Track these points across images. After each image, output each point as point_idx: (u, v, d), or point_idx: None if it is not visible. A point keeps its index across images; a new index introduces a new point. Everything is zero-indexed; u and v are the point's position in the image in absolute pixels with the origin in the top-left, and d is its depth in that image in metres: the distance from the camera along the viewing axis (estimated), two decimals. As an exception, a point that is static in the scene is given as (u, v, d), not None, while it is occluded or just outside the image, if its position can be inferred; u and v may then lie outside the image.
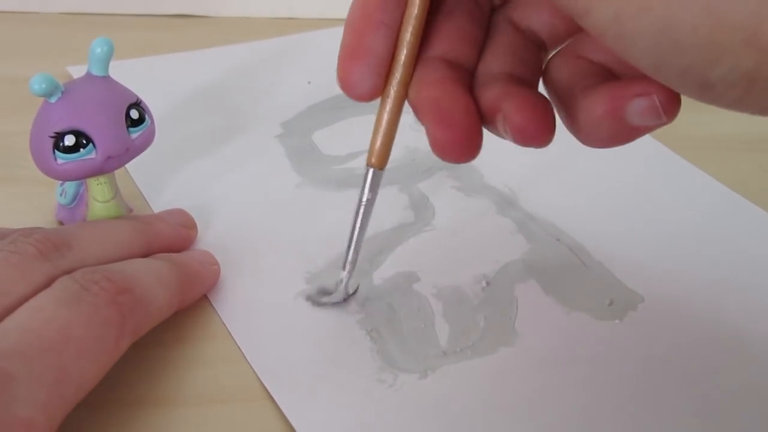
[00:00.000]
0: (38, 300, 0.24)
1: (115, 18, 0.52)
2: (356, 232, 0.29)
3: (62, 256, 0.27)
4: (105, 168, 0.30)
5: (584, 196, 0.38)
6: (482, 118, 0.24)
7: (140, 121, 0.30)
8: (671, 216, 0.37)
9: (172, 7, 0.53)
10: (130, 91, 0.31)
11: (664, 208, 0.37)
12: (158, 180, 0.37)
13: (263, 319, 0.30)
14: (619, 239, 0.35)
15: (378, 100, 0.26)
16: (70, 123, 0.29)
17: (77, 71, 0.43)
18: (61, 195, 0.33)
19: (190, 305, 0.30)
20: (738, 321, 0.32)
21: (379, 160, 0.28)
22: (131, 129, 0.30)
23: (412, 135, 0.44)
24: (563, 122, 0.24)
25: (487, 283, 0.33)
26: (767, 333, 0.31)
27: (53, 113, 0.29)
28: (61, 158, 0.29)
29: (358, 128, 0.42)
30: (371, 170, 0.28)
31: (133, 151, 0.30)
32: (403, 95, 0.26)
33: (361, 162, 0.39)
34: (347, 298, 0.31)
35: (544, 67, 0.26)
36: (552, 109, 0.23)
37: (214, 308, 0.31)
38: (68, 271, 0.26)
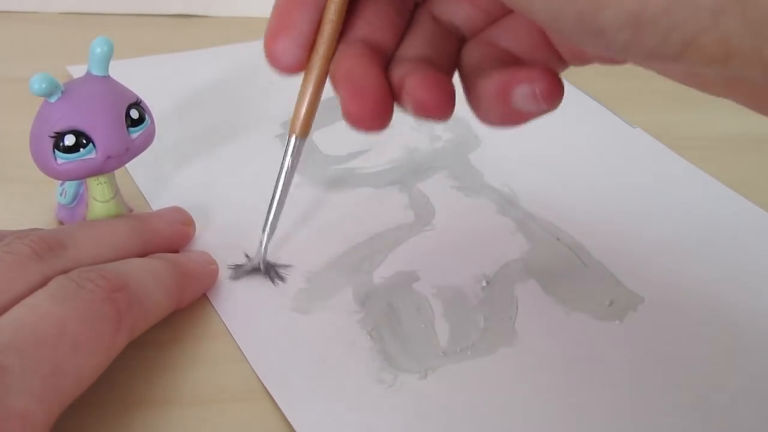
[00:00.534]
0: (34, 298, 0.24)
1: (115, 18, 0.52)
2: (277, 198, 0.31)
3: (57, 256, 0.27)
4: (105, 168, 0.30)
5: (584, 196, 0.38)
6: (393, 94, 0.25)
7: (140, 120, 0.30)
8: (671, 216, 0.37)
9: (172, 7, 0.53)
10: (130, 90, 0.31)
11: (664, 208, 0.37)
12: (158, 180, 0.37)
13: (263, 319, 0.30)
14: (619, 239, 0.35)
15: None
16: (70, 123, 0.29)
17: (77, 71, 0.43)
18: (61, 195, 0.33)
19: (190, 305, 0.30)
20: (738, 321, 0.32)
21: (302, 130, 0.29)
22: (131, 129, 0.30)
23: (412, 135, 0.43)
24: (466, 101, 0.26)
25: (487, 283, 0.33)
26: (767, 333, 0.31)
27: (53, 113, 0.29)
28: (61, 158, 0.29)
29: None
30: (294, 138, 0.30)
31: (133, 151, 0.30)
32: (326, 70, 0.27)
33: (361, 162, 0.40)
34: (266, 269, 0.32)
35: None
36: (452, 88, 0.25)
37: (214, 308, 0.31)
38: (64, 271, 0.26)
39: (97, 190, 0.31)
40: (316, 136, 0.41)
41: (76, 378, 0.23)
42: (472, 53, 0.27)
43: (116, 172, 0.31)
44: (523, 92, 0.23)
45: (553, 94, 0.23)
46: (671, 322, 0.31)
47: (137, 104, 0.31)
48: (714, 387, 0.29)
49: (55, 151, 0.29)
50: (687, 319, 0.32)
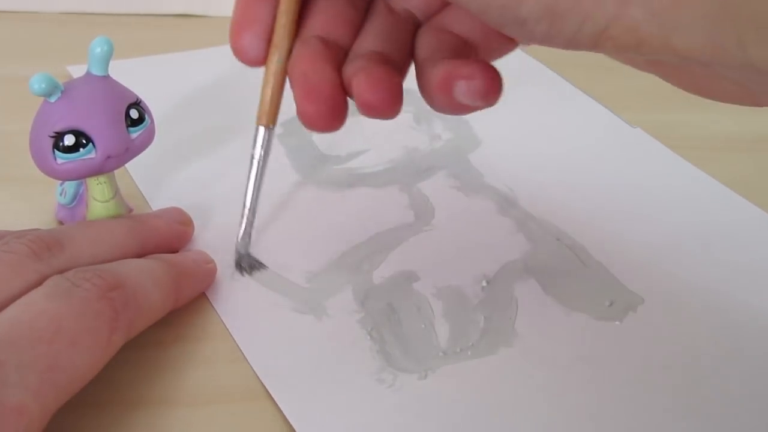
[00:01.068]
0: (30, 296, 0.25)
1: (115, 18, 0.52)
2: (251, 191, 0.31)
3: (54, 256, 0.27)
4: (105, 168, 0.30)
5: (584, 196, 0.38)
6: (346, 92, 0.26)
7: (140, 120, 0.30)
8: (671, 216, 0.37)
9: (172, 7, 0.53)
10: (129, 90, 0.31)
11: (664, 208, 0.37)
12: (158, 180, 0.37)
13: (263, 319, 0.30)
14: (619, 239, 0.35)
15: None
16: (70, 123, 0.29)
17: (77, 71, 0.43)
18: (61, 195, 0.33)
19: (190, 305, 0.30)
20: (738, 321, 0.32)
21: (268, 118, 0.30)
22: (131, 129, 0.30)
23: (412, 135, 0.43)
24: (418, 87, 0.26)
25: (487, 283, 0.33)
26: (767, 333, 0.31)
27: (53, 113, 0.29)
28: (61, 158, 0.29)
29: (358, 128, 0.42)
30: (261, 129, 0.30)
31: (132, 151, 0.30)
32: (284, 60, 0.28)
33: (361, 162, 0.40)
34: (242, 265, 0.32)
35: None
36: (398, 86, 0.25)
37: (214, 308, 0.31)
38: (61, 271, 0.26)
39: (97, 190, 0.31)
40: (316, 136, 0.41)
41: (72, 375, 0.23)
42: (424, 40, 0.27)
43: (116, 172, 0.31)
44: (462, 87, 0.24)
45: (489, 92, 0.24)
46: (671, 323, 0.31)
47: (137, 104, 0.31)
48: (714, 387, 0.29)
49: (55, 151, 0.29)
50: (687, 320, 0.31)
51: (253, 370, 0.28)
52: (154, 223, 0.32)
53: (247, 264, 0.32)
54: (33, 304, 0.24)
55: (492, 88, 0.24)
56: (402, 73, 0.27)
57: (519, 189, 0.38)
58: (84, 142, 0.29)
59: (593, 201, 0.38)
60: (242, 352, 0.29)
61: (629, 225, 0.36)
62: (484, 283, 0.33)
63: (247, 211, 0.32)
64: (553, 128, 0.43)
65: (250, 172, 0.31)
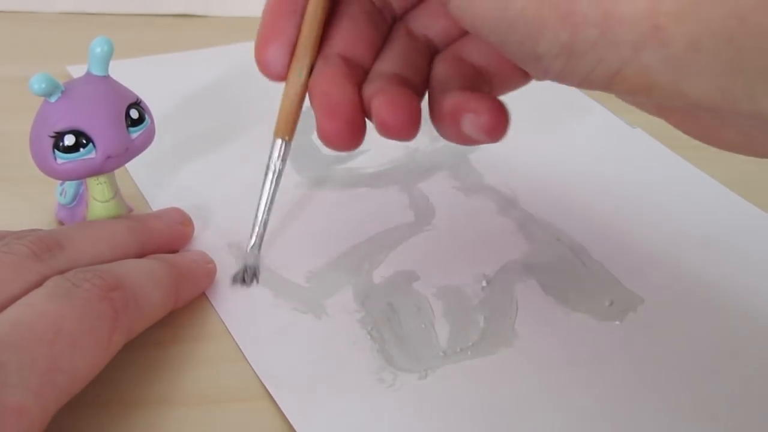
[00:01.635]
0: (30, 297, 0.24)
1: (115, 18, 0.52)
2: (264, 203, 0.31)
3: (55, 256, 0.27)
4: (105, 167, 0.30)
5: (584, 197, 0.38)
6: (365, 112, 0.26)
7: (140, 120, 0.30)
8: (671, 216, 0.37)
9: (172, 7, 0.53)
10: (130, 90, 0.31)
11: (664, 208, 0.37)
12: (158, 180, 0.37)
13: (263, 319, 0.30)
14: (618, 239, 0.35)
15: None
16: (70, 123, 0.29)
17: (77, 71, 0.43)
18: (61, 195, 0.33)
19: (190, 305, 0.31)
20: (738, 321, 0.32)
21: (286, 132, 0.30)
22: (131, 129, 0.30)
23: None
24: (429, 114, 0.27)
25: (487, 283, 0.33)
26: (767, 333, 0.31)
27: (53, 113, 0.29)
28: (61, 158, 0.29)
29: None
30: (279, 141, 0.30)
31: (133, 151, 0.30)
32: (306, 75, 0.28)
33: (360, 162, 0.40)
34: (245, 276, 0.32)
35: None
36: (417, 108, 0.26)
37: (214, 308, 0.31)
38: (62, 272, 0.26)
39: (97, 190, 0.31)
40: (316, 136, 0.41)
41: (72, 375, 0.23)
42: (439, 67, 0.28)
43: (116, 172, 0.31)
44: (468, 120, 0.25)
45: (495, 129, 0.25)
46: (671, 323, 0.31)
47: (137, 104, 0.31)
48: (714, 387, 0.29)
49: (55, 150, 0.29)
50: (687, 320, 0.32)
51: (253, 370, 0.28)
52: (154, 223, 0.32)
53: (250, 276, 0.32)
54: (33, 305, 0.24)
55: (497, 125, 0.25)
56: (420, 96, 0.27)
57: (519, 189, 0.38)
58: (84, 142, 0.29)
59: (593, 201, 0.38)
60: (242, 352, 0.29)
61: (629, 225, 0.36)
62: (484, 283, 0.33)
63: (259, 222, 0.32)
64: (554, 128, 0.43)
65: (264, 183, 0.31)
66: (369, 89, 0.26)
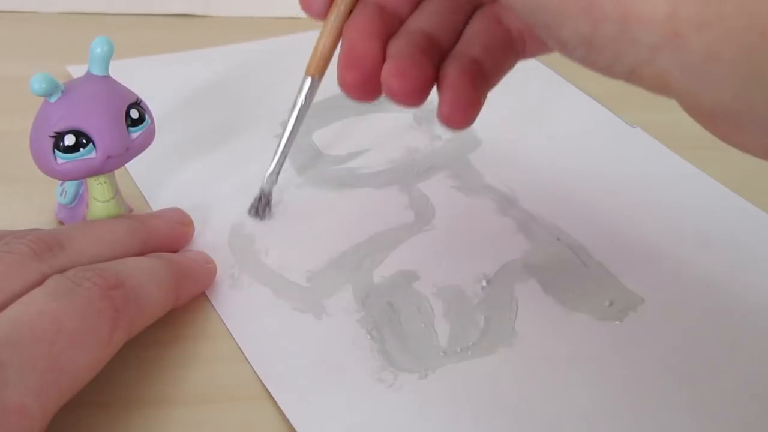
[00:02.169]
0: (30, 296, 0.24)
1: (115, 18, 0.52)
2: (287, 135, 0.34)
3: (55, 255, 0.27)
4: (105, 168, 0.30)
5: (584, 196, 0.38)
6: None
7: (140, 120, 0.30)
8: (671, 216, 0.37)
9: (172, 7, 0.53)
10: (130, 90, 0.31)
11: (663, 209, 0.37)
12: (158, 180, 0.37)
13: (263, 319, 0.30)
14: (618, 239, 0.35)
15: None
16: (70, 123, 0.29)
17: (77, 71, 0.43)
18: (61, 195, 0.33)
19: (190, 305, 0.31)
20: (738, 321, 0.32)
21: (317, 69, 0.32)
22: (131, 129, 0.30)
23: (412, 135, 0.43)
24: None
25: (487, 283, 0.33)
26: (767, 333, 0.31)
27: (53, 113, 0.29)
28: (61, 158, 0.29)
29: (358, 128, 0.42)
30: (308, 79, 0.32)
31: (133, 151, 0.30)
32: (342, 18, 0.29)
33: (360, 162, 0.40)
34: (259, 205, 0.34)
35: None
36: (426, 77, 0.27)
37: (214, 308, 0.31)
38: (62, 271, 0.26)
39: (97, 190, 0.31)
40: (316, 136, 0.41)
41: (73, 374, 0.23)
42: (473, 25, 0.29)
43: (116, 172, 0.31)
44: (439, 104, 0.27)
45: (450, 120, 0.27)
46: (671, 323, 0.31)
47: (137, 104, 0.31)
48: (714, 387, 0.29)
49: (55, 151, 0.29)
50: (687, 320, 0.32)
51: (253, 370, 0.28)
52: (155, 223, 0.32)
53: (263, 205, 0.34)
54: (34, 304, 0.24)
55: (453, 119, 0.27)
56: (442, 55, 0.28)
57: (519, 189, 0.38)
58: (84, 142, 0.29)
59: (593, 201, 0.38)
60: (242, 352, 0.29)
61: (629, 225, 0.36)
62: (484, 283, 0.33)
63: (280, 152, 0.34)
64: (554, 128, 0.43)
65: (289, 117, 0.33)
66: (393, 46, 0.27)
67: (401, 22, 0.29)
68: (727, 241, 0.36)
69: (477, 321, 0.31)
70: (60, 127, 0.28)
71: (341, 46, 0.28)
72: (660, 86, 0.20)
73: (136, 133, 0.30)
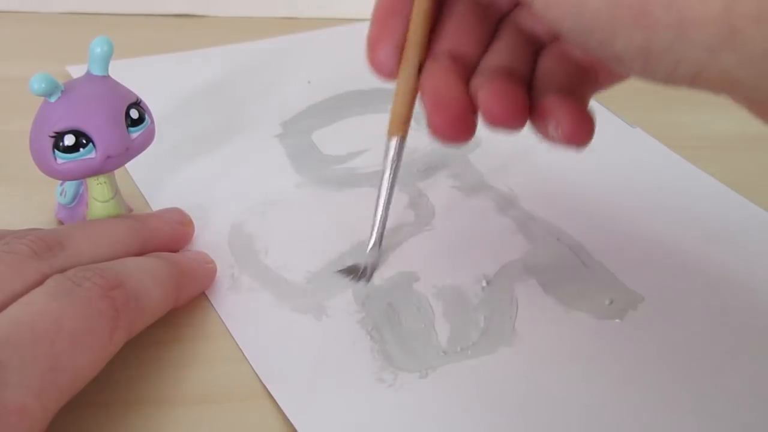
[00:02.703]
0: (30, 296, 0.24)
1: (115, 18, 0.52)
2: (382, 202, 0.32)
3: (55, 255, 0.27)
4: (105, 167, 0.30)
5: (584, 196, 0.38)
6: (474, 106, 0.27)
7: (140, 120, 0.30)
8: (671, 216, 0.37)
9: (172, 7, 0.53)
10: (130, 90, 0.31)
11: (663, 208, 0.37)
12: (158, 180, 0.37)
13: (263, 319, 0.30)
14: (619, 239, 0.35)
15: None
16: (70, 123, 0.29)
17: (77, 71, 0.43)
18: (61, 195, 0.33)
19: (190, 305, 0.31)
20: (738, 320, 0.32)
21: (400, 128, 0.30)
22: (131, 129, 0.30)
23: (412, 134, 0.43)
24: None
25: (487, 283, 0.33)
26: (767, 333, 0.31)
27: (53, 113, 0.29)
28: (61, 158, 0.29)
29: (358, 128, 0.42)
30: (394, 139, 0.31)
31: (132, 151, 0.30)
32: (415, 72, 0.28)
33: (360, 162, 0.40)
34: (366, 275, 0.32)
35: None
36: (523, 99, 0.26)
37: (214, 308, 0.31)
38: (62, 271, 0.26)
39: (97, 190, 0.31)
40: (316, 136, 0.41)
41: (73, 374, 0.23)
42: (544, 63, 0.28)
43: (116, 172, 0.31)
44: (553, 126, 0.26)
45: (575, 136, 0.26)
46: (671, 321, 0.31)
47: (137, 104, 0.31)
48: (714, 386, 0.29)
49: (55, 151, 0.29)
50: (687, 318, 0.32)
51: (253, 370, 0.28)
52: (155, 223, 0.32)
53: (368, 274, 0.32)
54: (34, 303, 0.24)
55: (577, 133, 0.26)
56: (526, 87, 0.27)
57: (519, 189, 0.38)
58: (84, 142, 0.29)
59: (593, 201, 0.38)
60: (242, 352, 0.29)
61: (629, 224, 0.36)
62: (484, 283, 0.33)
63: (378, 222, 0.32)
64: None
65: (381, 183, 0.31)
66: (476, 82, 0.27)
67: (474, 66, 0.28)
68: (727, 240, 0.36)
69: (477, 321, 0.31)
70: (60, 127, 0.28)
71: (424, 96, 0.27)
72: (726, 85, 0.20)
73: (136, 133, 0.30)
